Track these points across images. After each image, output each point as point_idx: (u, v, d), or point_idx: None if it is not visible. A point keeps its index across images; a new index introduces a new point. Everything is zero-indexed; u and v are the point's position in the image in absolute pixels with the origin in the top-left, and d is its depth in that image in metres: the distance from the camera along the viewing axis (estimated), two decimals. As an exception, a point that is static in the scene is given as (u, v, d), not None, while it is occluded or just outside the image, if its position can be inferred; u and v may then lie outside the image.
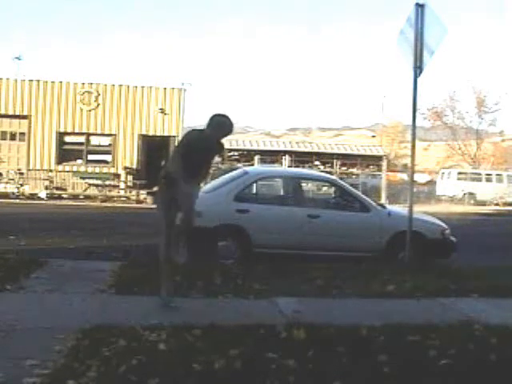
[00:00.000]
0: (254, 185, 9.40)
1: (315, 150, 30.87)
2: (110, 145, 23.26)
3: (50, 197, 21.40)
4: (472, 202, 29.12)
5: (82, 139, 23.05)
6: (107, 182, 22.51)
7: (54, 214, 15.72)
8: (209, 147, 5.35)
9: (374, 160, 30.79)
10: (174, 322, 4.51)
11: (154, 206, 5.87)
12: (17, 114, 22.63)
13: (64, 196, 22.12)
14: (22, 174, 22.07)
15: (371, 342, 4.24)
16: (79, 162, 22.97)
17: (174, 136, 23.20)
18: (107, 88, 23.18)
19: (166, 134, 23.29)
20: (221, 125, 5.29)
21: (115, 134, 23.06)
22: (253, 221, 8.26)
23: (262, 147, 30.39)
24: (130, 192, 22.62)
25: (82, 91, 22.99)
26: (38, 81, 22.97)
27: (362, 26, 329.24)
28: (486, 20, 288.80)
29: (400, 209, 10.46)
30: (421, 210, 11.32)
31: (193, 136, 5.51)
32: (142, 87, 23.41)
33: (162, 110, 23.15)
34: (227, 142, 26.19)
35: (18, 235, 9.86)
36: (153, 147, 23.01)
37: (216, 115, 5.35)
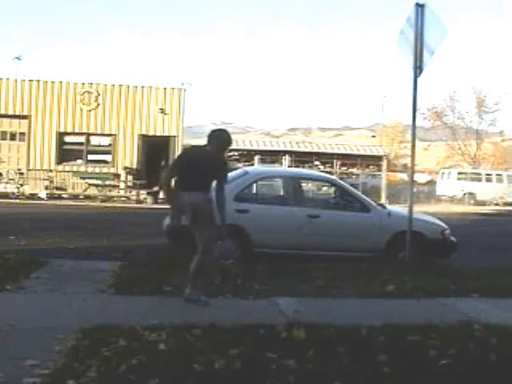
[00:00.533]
0: (254, 185, 9.41)
1: (315, 150, 30.80)
2: (110, 145, 23.24)
3: (50, 197, 21.39)
4: (472, 201, 29.11)
5: (82, 139, 23.04)
6: (107, 182, 22.51)
7: (54, 213, 15.71)
8: (212, 161, 5.49)
9: (374, 160, 30.74)
10: (174, 322, 4.51)
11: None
12: (17, 114, 22.61)
13: (64, 196, 22.12)
14: (22, 173, 22.05)
15: (371, 342, 4.24)
16: (79, 162, 22.96)
17: (174, 136, 23.22)
18: (107, 88, 23.17)
19: (165, 133, 23.29)
20: (219, 138, 5.58)
21: (115, 134, 23.04)
22: (253, 221, 8.26)
23: (262, 147, 30.31)
24: (130, 192, 22.62)
25: (82, 91, 22.98)
26: (38, 81, 22.95)
27: (362, 26, 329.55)
28: (486, 20, 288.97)
29: (400, 209, 10.46)
30: (421, 210, 11.31)
31: (190, 150, 5.89)
32: (142, 87, 23.39)
33: (162, 110, 23.14)
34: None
35: (18, 235, 9.86)
36: (153, 147, 23.02)
37: (214, 130, 5.70)
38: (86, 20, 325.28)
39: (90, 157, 23.09)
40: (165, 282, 6.07)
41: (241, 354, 3.79)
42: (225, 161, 5.87)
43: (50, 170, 22.37)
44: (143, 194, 21.90)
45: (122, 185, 22.97)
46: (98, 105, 23.03)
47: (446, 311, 5.58)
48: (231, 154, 29.55)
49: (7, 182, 21.71)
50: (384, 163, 29.68)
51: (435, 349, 4.08)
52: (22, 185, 21.45)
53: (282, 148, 30.28)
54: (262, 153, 28.98)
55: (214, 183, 5.67)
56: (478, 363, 3.86)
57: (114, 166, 23.02)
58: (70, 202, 20.54)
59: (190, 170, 5.43)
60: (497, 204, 29.04)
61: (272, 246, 8.25)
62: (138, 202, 21.67)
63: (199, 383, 3.42)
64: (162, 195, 21.99)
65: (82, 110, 22.89)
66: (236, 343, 3.99)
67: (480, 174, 31.81)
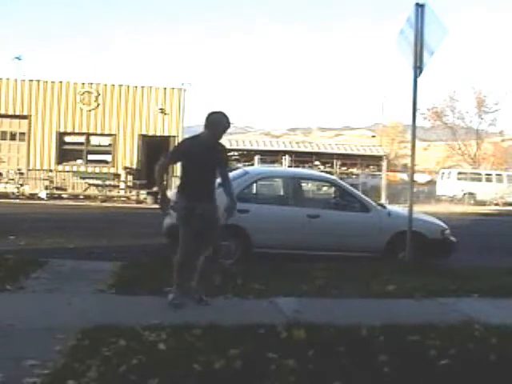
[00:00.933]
0: (254, 185, 9.40)
1: (315, 150, 30.75)
2: (110, 145, 23.25)
3: (50, 197, 21.39)
4: (472, 202, 29.10)
5: (82, 139, 23.04)
6: (107, 182, 22.51)
7: (53, 214, 15.71)
8: (211, 148, 5.33)
9: (374, 160, 30.71)
10: (174, 322, 4.51)
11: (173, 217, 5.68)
12: (17, 114, 22.61)
13: (64, 196, 22.12)
14: (22, 173, 22.05)
15: (371, 342, 4.24)
16: (79, 162, 22.96)
17: (174, 136, 23.21)
18: (107, 88, 23.17)
19: (165, 134, 23.28)
20: (217, 121, 5.32)
21: (115, 134, 23.05)
22: (253, 221, 8.26)
23: (262, 147, 30.27)
24: (130, 192, 22.62)
25: (82, 91, 22.98)
26: (38, 81, 22.94)
27: (362, 26, 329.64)
28: (487, 20, 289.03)
29: (400, 209, 10.47)
30: (421, 210, 11.32)
31: (186, 144, 5.55)
32: (142, 87, 23.39)
33: (162, 110, 23.14)
34: (227, 141, 26.15)
35: (17, 235, 9.86)
36: (153, 147, 23.01)
37: (210, 114, 5.38)
38: (85, 20, 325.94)
39: (90, 157, 23.09)
40: (165, 282, 6.06)
41: (241, 354, 3.79)
42: (223, 145, 5.65)
43: (50, 170, 22.37)
44: (143, 194, 21.89)
45: (122, 185, 22.96)
46: (98, 105, 23.03)
47: (445, 311, 5.57)
48: (231, 153, 29.55)
49: (7, 182, 21.71)
50: (384, 163, 29.66)
51: (435, 349, 4.08)
52: (21, 185, 21.45)
53: (282, 148, 30.26)
54: (262, 153, 28.95)
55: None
56: (478, 363, 3.86)
57: (114, 166, 23.02)
58: (70, 202, 20.54)
59: (193, 171, 5.29)
60: (497, 204, 29.02)
61: (272, 245, 8.25)
62: (138, 202, 21.67)
63: (199, 383, 3.42)
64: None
65: (81, 109, 22.89)
66: (236, 343, 3.99)
67: (480, 174, 31.80)
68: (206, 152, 5.27)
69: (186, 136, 22.85)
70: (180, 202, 5.40)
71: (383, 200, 23.15)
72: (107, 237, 10.58)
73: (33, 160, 22.60)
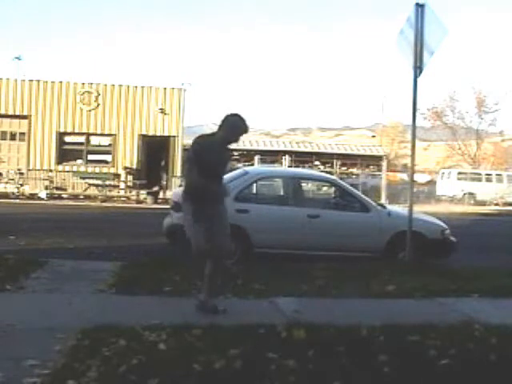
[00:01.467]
0: (254, 185, 9.40)
1: (315, 150, 30.82)
2: (110, 145, 23.26)
3: (50, 197, 21.39)
4: (472, 202, 29.11)
5: (82, 139, 23.06)
6: (107, 182, 22.52)
7: (53, 214, 15.71)
8: (222, 150, 5.20)
9: (374, 160, 30.76)
10: (174, 322, 4.51)
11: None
12: (17, 114, 22.63)
13: (64, 196, 22.12)
14: (22, 173, 22.06)
15: (371, 342, 4.24)
16: (79, 162, 22.97)
17: (174, 136, 23.24)
18: (107, 88, 23.19)
19: (166, 134, 23.31)
20: (235, 125, 5.13)
21: (115, 134, 23.06)
22: (253, 221, 8.25)
23: (262, 147, 30.31)
24: (130, 192, 22.63)
25: (82, 91, 22.99)
26: (38, 81, 22.97)
27: (362, 26, 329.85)
28: (487, 20, 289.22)
29: (400, 209, 10.47)
30: (421, 210, 11.32)
31: (205, 142, 5.22)
32: (142, 87, 23.41)
33: (162, 110, 23.15)
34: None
35: (17, 235, 9.85)
36: (153, 147, 23.02)
37: (229, 115, 5.20)
38: (85, 20, 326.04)
39: (90, 157, 23.11)
40: (165, 282, 6.07)
41: (241, 354, 3.79)
42: (230, 151, 5.53)
43: (50, 170, 22.39)
44: (143, 194, 21.92)
45: (122, 185, 22.98)
46: (98, 105, 23.04)
47: (445, 311, 5.58)
48: (231, 153, 29.57)
49: (7, 182, 21.72)
50: (384, 163, 29.70)
51: (435, 349, 4.08)
52: (21, 185, 21.46)
53: (282, 148, 30.30)
54: (262, 153, 28.98)
55: None
56: (478, 363, 3.86)
57: (114, 166, 23.04)
58: (70, 202, 20.54)
59: (204, 173, 5.03)
60: (497, 204, 29.03)
61: (272, 245, 8.25)
62: (138, 202, 21.68)
63: (199, 383, 3.42)
64: (161, 195, 22.03)
65: (81, 109, 22.91)
66: (236, 343, 3.99)
67: (480, 174, 31.81)
68: (218, 154, 5.12)
69: (186, 136, 22.87)
70: (187, 205, 5.14)
71: (383, 200, 23.16)
72: (107, 237, 10.58)
73: (33, 160, 22.61)
